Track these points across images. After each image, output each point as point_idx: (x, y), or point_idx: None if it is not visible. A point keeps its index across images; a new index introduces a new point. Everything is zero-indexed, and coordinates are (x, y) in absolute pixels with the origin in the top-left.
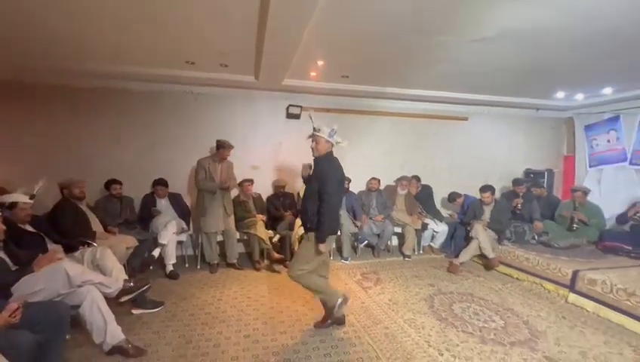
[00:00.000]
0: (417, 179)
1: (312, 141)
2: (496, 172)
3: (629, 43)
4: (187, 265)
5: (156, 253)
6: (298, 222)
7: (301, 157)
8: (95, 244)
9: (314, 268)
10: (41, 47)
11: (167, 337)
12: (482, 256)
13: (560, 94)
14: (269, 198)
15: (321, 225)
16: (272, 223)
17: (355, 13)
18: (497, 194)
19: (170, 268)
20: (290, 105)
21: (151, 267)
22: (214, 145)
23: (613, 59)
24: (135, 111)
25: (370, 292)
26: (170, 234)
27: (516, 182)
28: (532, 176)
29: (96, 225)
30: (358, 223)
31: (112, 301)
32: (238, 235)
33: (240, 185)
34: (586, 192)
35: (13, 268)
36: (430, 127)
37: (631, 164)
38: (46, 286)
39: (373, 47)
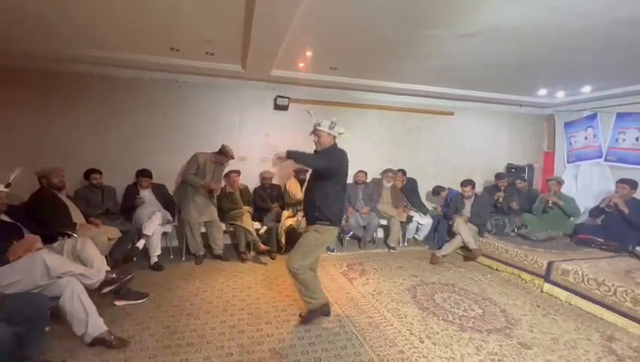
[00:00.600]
0: (403, 172)
1: (315, 136)
2: (480, 166)
3: (607, 43)
4: (172, 257)
5: (140, 244)
6: (285, 213)
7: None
8: (75, 235)
9: (311, 262)
10: (15, 29)
11: (152, 328)
12: (464, 247)
13: (542, 91)
14: (255, 190)
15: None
16: (258, 215)
17: (343, 2)
18: (480, 188)
19: (154, 259)
20: (278, 97)
21: (135, 258)
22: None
23: (592, 58)
24: (116, 98)
25: (355, 283)
26: (155, 225)
27: (498, 176)
28: (514, 171)
29: (77, 215)
30: (345, 215)
31: (94, 292)
32: (224, 227)
33: (227, 176)
34: (559, 182)
35: None
36: (417, 121)
37: (605, 160)
38: (23, 277)
39: (361, 38)
